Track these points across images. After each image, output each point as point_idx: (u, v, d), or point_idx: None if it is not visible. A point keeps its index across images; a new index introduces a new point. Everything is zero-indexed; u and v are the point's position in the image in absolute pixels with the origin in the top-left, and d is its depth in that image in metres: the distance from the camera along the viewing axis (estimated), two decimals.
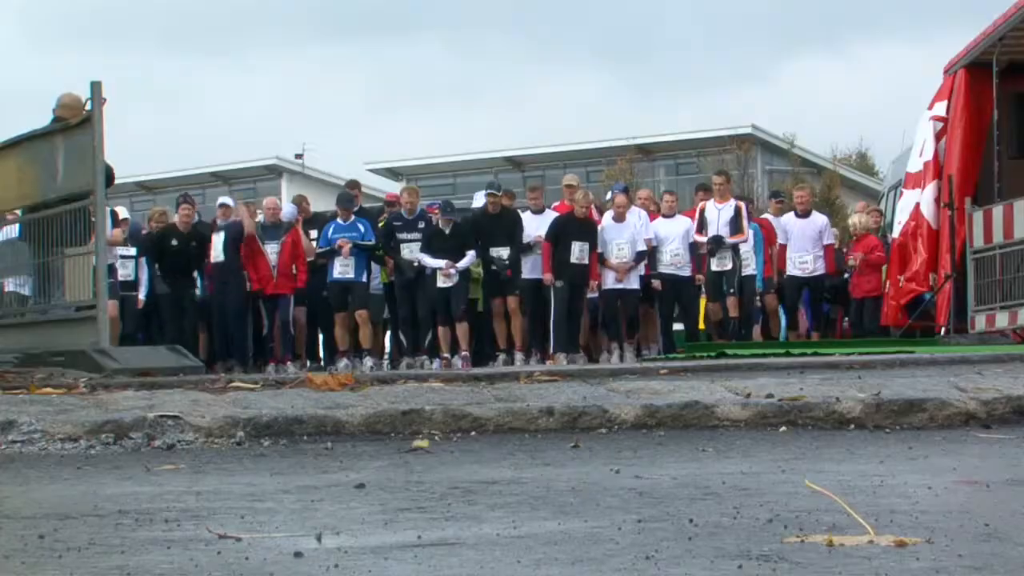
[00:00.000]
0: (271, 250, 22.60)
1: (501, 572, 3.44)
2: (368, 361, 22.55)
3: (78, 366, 10.19)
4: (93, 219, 12.46)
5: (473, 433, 6.24)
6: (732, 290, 22.95)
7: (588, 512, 4.45)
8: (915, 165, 22.31)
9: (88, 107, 11.95)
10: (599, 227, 22.60)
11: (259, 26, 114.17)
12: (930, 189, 21.29)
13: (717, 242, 22.66)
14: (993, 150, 19.69)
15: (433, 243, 22.43)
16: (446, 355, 22.49)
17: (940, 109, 21.46)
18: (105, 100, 11.87)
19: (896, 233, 22.70)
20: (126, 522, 4.27)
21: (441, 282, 22.19)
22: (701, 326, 24.43)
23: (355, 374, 8.26)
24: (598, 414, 6.44)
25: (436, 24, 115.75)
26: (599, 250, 22.22)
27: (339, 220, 22.65)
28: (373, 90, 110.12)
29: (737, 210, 23.07)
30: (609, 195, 24.65)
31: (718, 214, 22.93)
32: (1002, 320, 17.95)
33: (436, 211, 24.06)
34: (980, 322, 18.24)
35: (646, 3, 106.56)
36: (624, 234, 22.53)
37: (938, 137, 21.37)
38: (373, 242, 22.55)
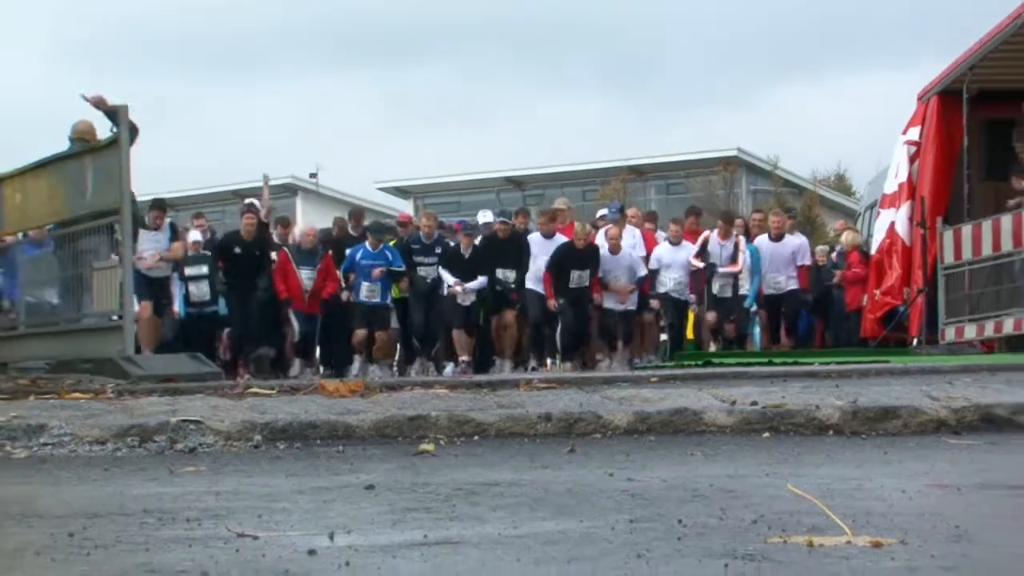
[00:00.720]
0: (306, 275, 22.85)
1: (502, 570, 3.43)
2: (376, 370, 22.18)
3: (105, 373, 10.20)
4: (118, 237, 12.48)
5: (476, 437, 6.24)
6: (732, 316, 23.37)
7: (584, 513, 4.45)
8: (890, 186, 22.58)
9: (115, 129, 11.96)
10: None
11: (276, 51, 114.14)
12: (904, 209, 21.51)
13: (712, 269, 22.99)
14: (963, 173, 19.82)
15: (453, 264, 22.55)
16: (464, 358, 22.42)
17: (914, 134, 21.63)
18: (131, 123, 11.87)
19: (873, 250, 22.88)
20: (150, 521, 4.26)
21: (460, 300, 22.25)
22: (689, 335, 24.60)
23: (365, 381, 8.22)
24: (593, 420, 6.45)
25: (445, 50, 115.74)
26: (600, 275, 22.49)
27: (368, 247, 22.55)
28: (384, 112, 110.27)
29: (736, 246, 23.36)
30: (600, 213, 25.08)
31: (720, 249, 23.25)
32: (971, 332, 18.00)
33: (459, 227, 24.08)
34: (950, 334, 18.30)
35: (642, 33, 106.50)
36: (621, 264, 22.79)
37: (912, 160, 21.55)
38: (403, 269, 22.53)
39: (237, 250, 21.98)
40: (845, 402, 6.80)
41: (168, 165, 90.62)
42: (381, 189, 65.52)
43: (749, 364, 13.93)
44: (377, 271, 22.19)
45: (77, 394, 7.49)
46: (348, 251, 22.93)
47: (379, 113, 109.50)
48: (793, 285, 23.94)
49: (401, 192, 65.17)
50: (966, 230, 18.07)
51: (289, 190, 64.81)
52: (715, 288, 23.28)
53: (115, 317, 12.39)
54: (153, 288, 21.49)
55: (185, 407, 6.42)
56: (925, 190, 20.57)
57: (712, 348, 23.88)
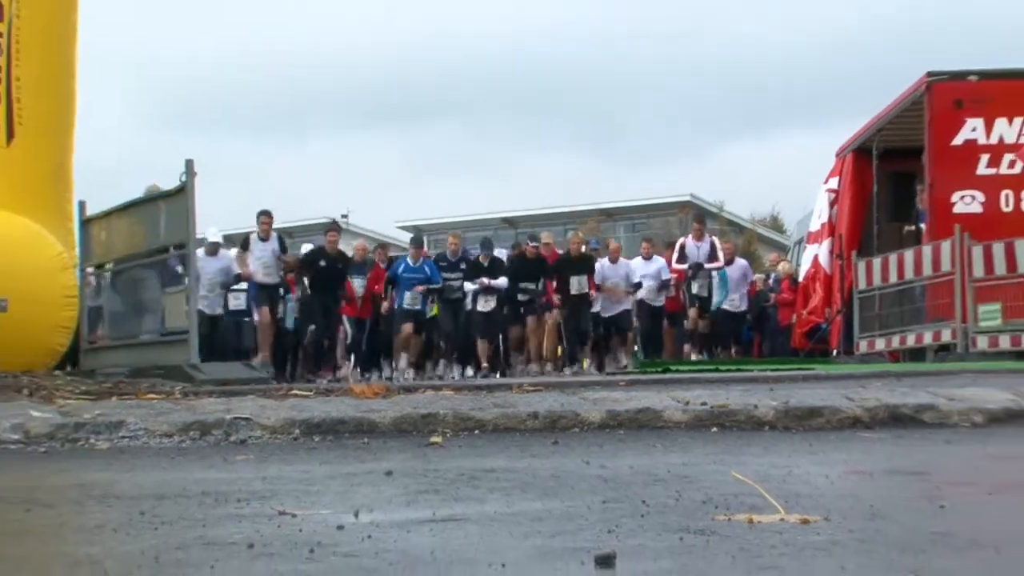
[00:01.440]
0: (358, 284, 22.48)
1: (498, 542, 3.39)
2: (411, 371, 21.79)
3: (174, 378, 10.15)
4: (179, 269, 12.46)
5: (476, 432, 6.21)
6: (707, 313, 23.04)
7: (565, 494, 4.40)
8: (814, 226, 22.95)
9: (182, 179, 11.95)
10: (598, 265, 22.71)
11: (316, 115, 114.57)
12: (826, 244, 21.93)
13: (697, 268, 22.65)
14: (873, 215, 20.03)
15: (474, 273, 22.24)
16: (485, 364, 22.25)
17: (833, 183, 22.00)
18: (196, 173, 11.85)
19: (800, 277, 23.35)
20: (207, 501, 4.24)
21: (481, 306, 22.07)
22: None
23: (386, 384, 8.19)
24: (572, 417, 6.42)
25: (452, 113, 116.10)
26: (598, 282, 22.38)
27: (409, 261, 22.33)
28: (403, 164, 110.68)
29: (712, 244, 23.31)
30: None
31: (697, 250, 22.92)
32: (880, 344, 18.09)
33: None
34: (863, 346, 18.38)
35: (613, 100, 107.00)
36: (619, 272, 22.90)
37: (831, 205, 21.91)
38: (439, 284, 22.10)
39: (322, 263, 21.54)
40: (778, 403, 6.78)
41: (225, 207, 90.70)
42: (400, 227, 66.27)
43: (700, 371, 13.87)
44: (419, 288, 21.81)
45: (151, 395, 7.45)
46: (392, 265, 22.65)
47: (399, 164, 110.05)
48: (746, 304, 24.03)
49: (417, 230, 65.55)
50: (876, 261, 18.16)
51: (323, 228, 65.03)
52: (694, 288, 22.88)
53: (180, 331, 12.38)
54: (270, 293, 21.12)
55: (237, 406, 6.40)
56: (843, 229, 20.91)
57: (689, 350, 23.75)
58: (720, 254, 23.37)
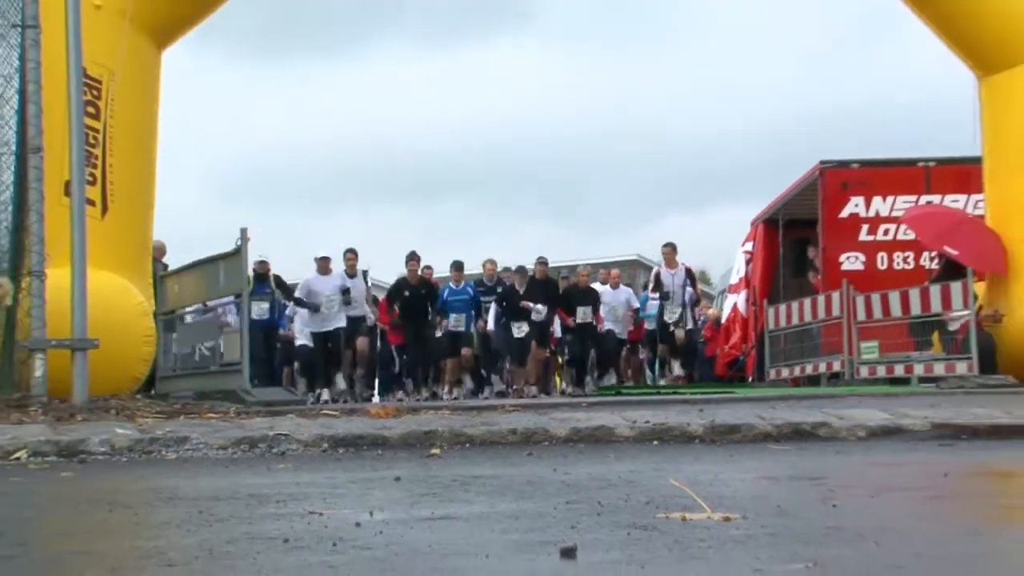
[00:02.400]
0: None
1: (483, 536, 3.34)
2: (456, 391, 19.27)
3: (230, 400, 10.07)
4: (233, 316, 12.40)
5: (467, 445, 6.14)
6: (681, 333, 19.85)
7: (536, 497, 4.35)
8: (734, 279, 23.25)
9: (237, 243, 11.95)
10: (600, 291, 20.26)
11: (343, 191, 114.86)
12: (743, 294, 22.24)
13: (666, 296, 19.55)
14: (780, 272, 20.13)
15: (511, 298, 19.49)
16: (517, 386, 19.53)
17: (748, 247, 22.25)
18: (249, 239, 11.85)
19: (723, 319, 23.62)
20: (252, 502, 4.17)
21: (516, 332, 19.24)
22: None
23: (397, 406, 8.12)
24: (543, 433, 6.35)
25: (455, 192, 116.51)
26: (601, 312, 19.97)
27: (452, 284, 19.71)
28: (416, 231, 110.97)
29: (687, 272, 20.03)
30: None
31: (672, 279, 19.65)
32: (785, 372, 18.14)
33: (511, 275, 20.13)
34: (772, 374, 18.33)
35: (576, 176, 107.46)
36: (619, 299, 20.60)
37: (747, 263, 22.23)
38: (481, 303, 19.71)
39: (406, 293, 18.98)
40: (706, 421, 6.72)
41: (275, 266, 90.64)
42: None
43: (645, 395, 13.83)
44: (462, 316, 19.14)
45: (210, 415, 7.38)
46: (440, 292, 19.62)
47: (413, 232, 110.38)
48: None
49: None
50: (782, 307, 18.24)
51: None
52: (666, 316, 19.73)
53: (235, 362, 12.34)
54: (357, 325, 18.68)
55: (279, 424, 6.33)
56: (756, 282, 21.12)
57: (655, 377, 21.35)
58: (697, 284, 20.97)
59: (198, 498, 4.28)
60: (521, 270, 20.16)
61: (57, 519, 4.02)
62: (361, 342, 19.23)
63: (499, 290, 20.12)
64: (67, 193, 8.58)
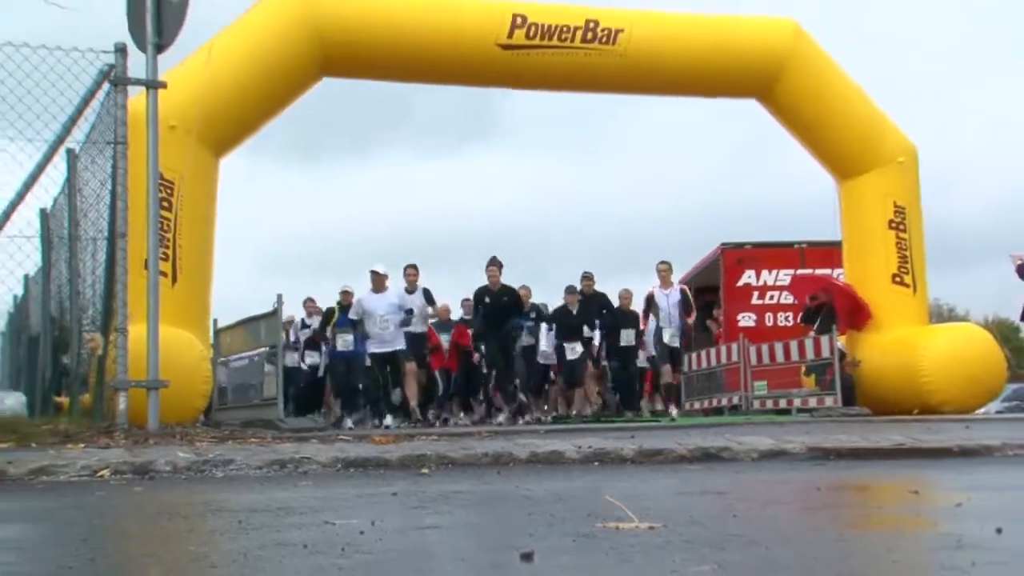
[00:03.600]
0: (444, 339, 15.67)
1: (460, 542, 3.25)
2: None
3: (268, 428, 9.92)
4: (270, 364, 12.29)
5: (450, 466, 6.01)
6: (680, 365, 16.02)
7: (502, 509, 4.24)
8: None
9: (274, 306, 11.91)
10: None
11: (362, 264, 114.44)
12: None
13: (670, 321, 15.06)
14: (694, 327, 19.82)
15: (563, 318, 15.37)
16: (573, 411, 15.52)
17: None
18: (283, 303, 11.79)
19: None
20: (280, 514, 4.04)
21: (569, 355, 15.10)
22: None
23: (395, 435, 7.96)
24: (509, 456, 6.22)
25: (451, 259, 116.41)
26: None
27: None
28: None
29: (683, 293, 15.37)
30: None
31: (667, 299, 15.16)
32: (697, 405, 17.92)
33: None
34: (687, 406, 18.17)
35: (538, 250, 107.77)
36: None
37: None
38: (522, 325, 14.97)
39: (487, 299, 14.54)
40: (636, 445, 6.61)
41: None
42: None
43: (588, 423, 13.70)
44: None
45: (252, 440, 7.22)
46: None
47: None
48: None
49: None
50: (694, 355, 18.07)
51: None
52: (666, 338, 15.14)
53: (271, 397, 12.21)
54: (415, 344, 14.07)
55: (303, 448, 6.19)
56: None
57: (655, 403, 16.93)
58: (692, 303, 15.47)
59: (239, 510, 4.16)
60: (571, 289, 15.66)
61: (129, 527, 3.91)
62: (410, 364, 13.93)
63: (532, 315, 15.69)
64: (146, 267, 8.51)
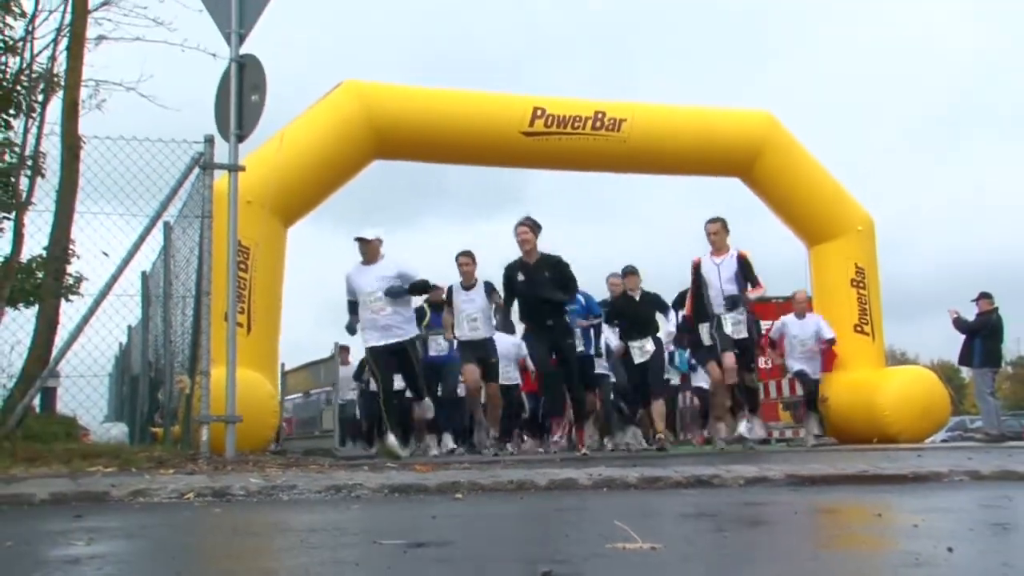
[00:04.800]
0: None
1: (487, 553, 3.19)
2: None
3: (326, 456, 9.85)
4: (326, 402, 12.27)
5: (480, 492, 5.90)
6: (753, 365, 9.80)
7: (523, 527, 4.17)
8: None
9: (332, 351, 11.91)
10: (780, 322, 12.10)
11: None
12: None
13: (734, 302, 9.10)
14: None
15: (625, 309, 10.27)
16: (660, 434, 10.38)
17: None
18: (339, 350, 11.77)
19: None
20: (336, 533, 3.97)
21: (638, 357, 10.11)
22: None
23: (434, 463, 7.86)
24: (531, 483, 6.08)
25: None
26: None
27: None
28: None
29: (742, 261, 9.27)
30: None
31: (718, 270, 9.26)
32: (689, 435, 17.58)
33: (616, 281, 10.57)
34: (681, 436, 17.79)
35: None
36: (809, 329, 12.11)
37: None
38: (601, 315, 10.36)
39: (520, 278, 8.99)
40: (639, 473, 6.39)
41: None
42: None
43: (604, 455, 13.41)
44: (581, 322, 9.95)
45: (312, 467, 7.16)
46: None
47: None
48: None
49: None
50: (688, 392, 17.76)
51: None
52: (728, 327, 9.10)
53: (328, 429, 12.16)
54: (476, 350, 9.56)
55: (355, 475, 6.11)
56: None
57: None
58: (755, 273, 9.28)
59: (301, 530, 4.12)
60: (630, 270, 10.42)
61: (210, 544, 3.87)
62: (470, 370, 9.62)
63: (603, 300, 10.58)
64: (225, 319, 8.57)
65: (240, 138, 8.46)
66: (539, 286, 8.68)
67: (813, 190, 13.74)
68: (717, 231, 9.45)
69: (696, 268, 9.41)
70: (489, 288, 9.56)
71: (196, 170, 8.47)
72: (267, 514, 4.81)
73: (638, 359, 10.04)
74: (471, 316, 9.50)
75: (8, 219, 10.23)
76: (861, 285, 13.70)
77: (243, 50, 8.43)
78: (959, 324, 14.06)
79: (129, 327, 13.90)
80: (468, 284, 9.63)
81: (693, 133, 13.12)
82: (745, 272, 9.23)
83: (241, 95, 8.35)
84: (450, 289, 9.70)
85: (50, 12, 11.36)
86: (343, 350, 13.83)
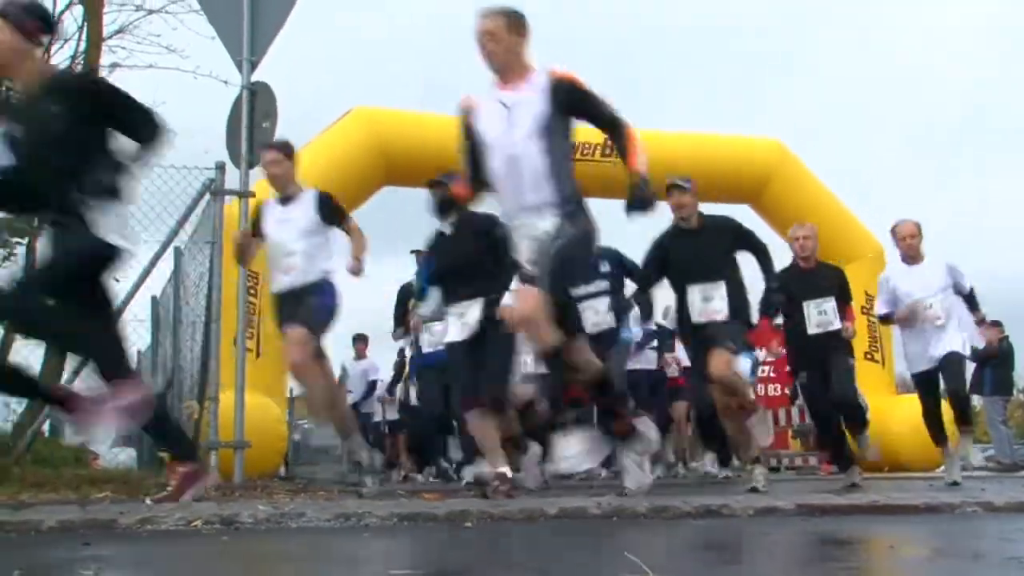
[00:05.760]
0: None
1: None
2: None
3: (336, 483, 9.84)
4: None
5: (489, 520, 5.88)
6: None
7: (533, 557, 4.11)
8: None
9: (339, 377, 11.86)
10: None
11: None
12: None
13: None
14: None
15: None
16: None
17: None
18: (346, 374, 11.74)
19: None
20: (345, 562, 3.97)
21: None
22: None
23: (443, 492, 7.84)
24: (539, 511, 6.00)
25: None
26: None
27: None
28: None
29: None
30: None
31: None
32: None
33: None
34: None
35: None
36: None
37: None
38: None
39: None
40: (648, 503, 6.30)
41: None
42: None
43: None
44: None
45: (321, 494, 7.17)
46: None
47: None
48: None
49: None
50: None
51: None
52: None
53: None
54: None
55: (365, 503, 6.12)
56: None
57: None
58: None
59: (308, 559, 4.09)
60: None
61: (225, 572, 3.86)
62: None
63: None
64: (235, 344, 8.61)
65: (251, 164, 8.54)
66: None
67: (822, 217, 13.69)
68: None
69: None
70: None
71: (207, 196, 8.55)
72: (276, 543, 4.80)
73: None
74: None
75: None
76: (871, 313, 13.62)
77: (255, 77, 8.52)
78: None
79: (138, 352, 13.92)
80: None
81: (702, 160, 13.14)
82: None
83: (252, 122, 8.44)
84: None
85: (65, 41, 11.52)
86: (360, 339, 13.31)
